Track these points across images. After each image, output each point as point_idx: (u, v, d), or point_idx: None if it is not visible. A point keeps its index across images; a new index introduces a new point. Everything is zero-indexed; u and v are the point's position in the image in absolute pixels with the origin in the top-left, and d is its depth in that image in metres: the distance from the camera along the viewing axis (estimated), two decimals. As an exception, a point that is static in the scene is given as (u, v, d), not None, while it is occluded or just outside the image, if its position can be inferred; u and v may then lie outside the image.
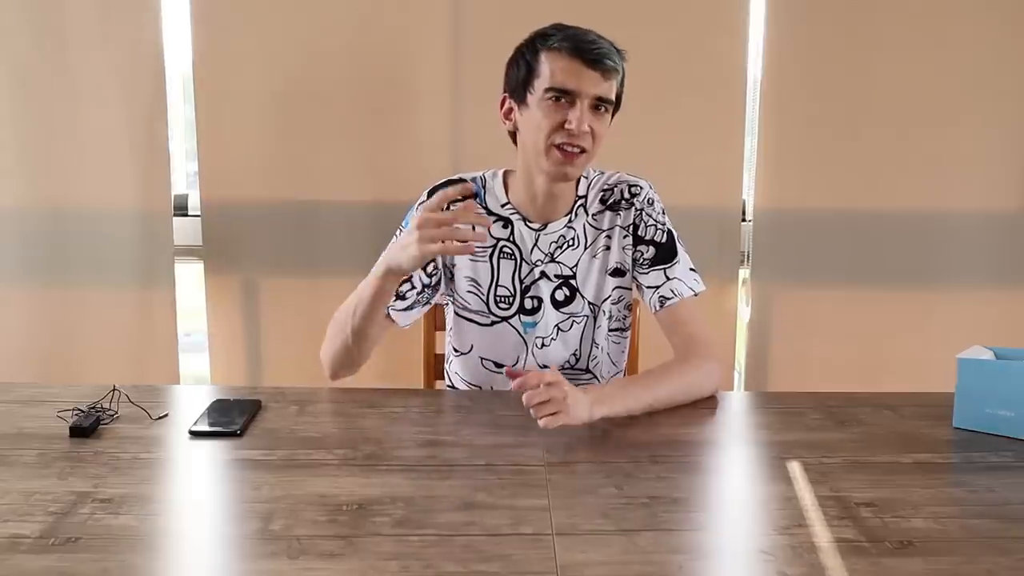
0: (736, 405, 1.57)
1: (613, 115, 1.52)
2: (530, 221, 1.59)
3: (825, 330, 2.33)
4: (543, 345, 1.61)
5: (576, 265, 1.60)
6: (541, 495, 1.12)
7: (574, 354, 1.63)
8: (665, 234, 1.60)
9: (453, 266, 1.61)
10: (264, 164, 2.24)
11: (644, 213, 1.59)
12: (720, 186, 2.29)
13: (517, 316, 1.60)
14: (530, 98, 1.48)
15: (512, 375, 1.32)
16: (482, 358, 1.64)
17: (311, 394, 1.50)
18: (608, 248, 1.61)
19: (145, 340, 2.29)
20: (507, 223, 1.59)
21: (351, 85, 2.23)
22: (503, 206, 1.60)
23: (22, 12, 2.17)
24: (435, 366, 1.84)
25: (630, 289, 1.64)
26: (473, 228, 1.39)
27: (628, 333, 1.69)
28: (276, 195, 2.25)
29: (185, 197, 2.33)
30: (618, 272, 1.62)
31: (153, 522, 1.05)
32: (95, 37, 2.17)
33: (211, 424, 1.33)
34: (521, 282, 1.60)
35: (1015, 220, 2.30)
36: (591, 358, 1.64)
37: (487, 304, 1.60)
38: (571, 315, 1.61)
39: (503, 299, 1.60)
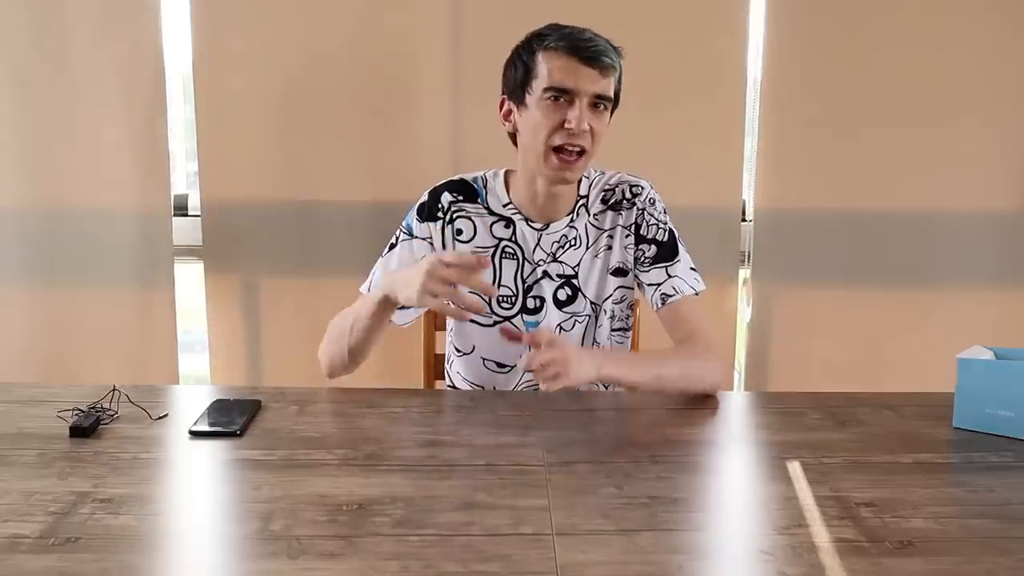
0: (736, 405, 1.57)
1: (612, 113, 1.52)
2: (532, 221, 1.59)
3: (825, 330, 2.33)
4: (544, 345, 1.61)
5: (578, 265, 1.60)
6: (541, 495, 1.12)
7: (575, 353, 1.63)
8: (667, 233, 1.60)
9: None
10: (264, 164, 2.24)
11: (646, 213, 1.59)
12: (720, 186, 2.29)
13: (519, 316, 1.60)
14: (529, 99, 1.48)
15: (507, 333, 1.31)
16: (484, 358, 1.63)
17: (311, 394, 1.50)
18: (610, 248, 1.61)
19: (145, 340, 2.29)
20: (509, 223, 1.59)
21: (351, 85, 2.23)
22: (505, 206, 1.60)
23: (22, 12, 2.16)
24: (435, 366, 1.84)
25: (632, 289, 1.64)
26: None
27: (630, 333, 1.69)
28: (276, 195, 2.25)
29: (185, 197, 2.33)
30: (620, 272, 1.62)
31: (153, 522, 1.05)
32: (95, 37, 2.17)
33: (211, 424, 1.33)
34: (523, 282, 1.60)
35: (1015, 220, 2.30)
36: (592, 358, 1.64)
37: (489, 304, 1.60)
38: (573, 315, 1.61)
39: (505, 299, 1.60)
